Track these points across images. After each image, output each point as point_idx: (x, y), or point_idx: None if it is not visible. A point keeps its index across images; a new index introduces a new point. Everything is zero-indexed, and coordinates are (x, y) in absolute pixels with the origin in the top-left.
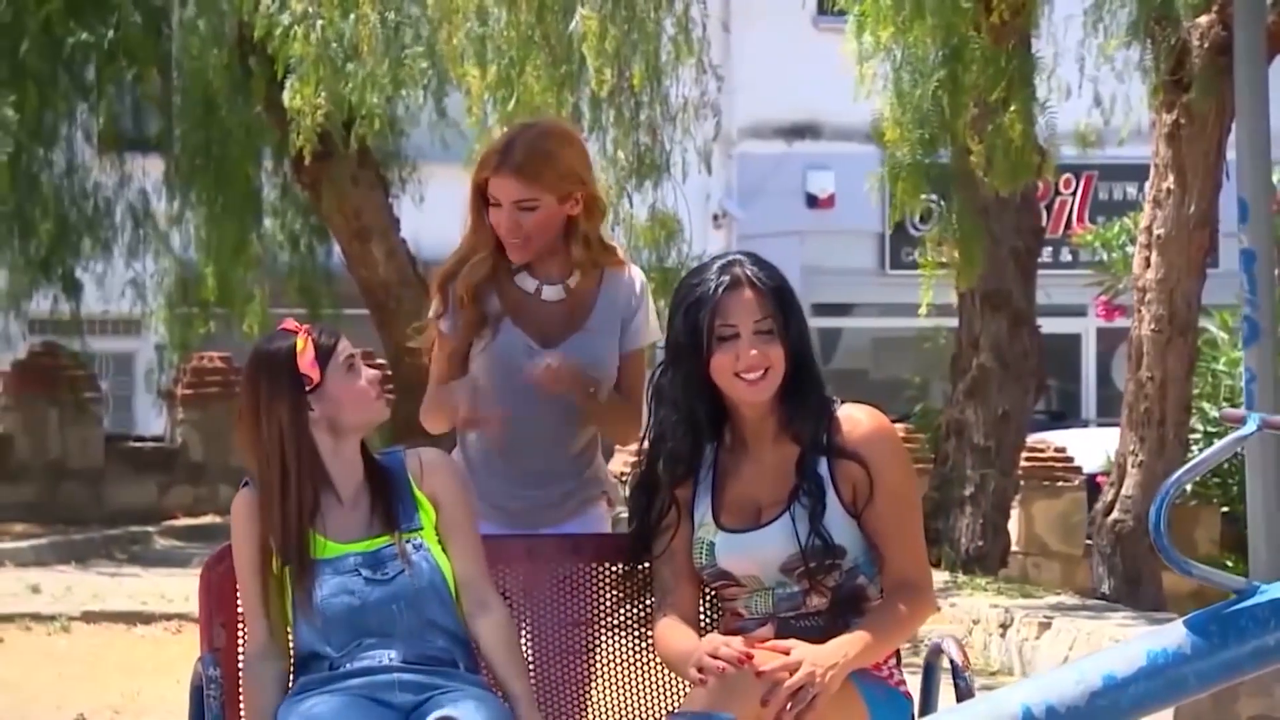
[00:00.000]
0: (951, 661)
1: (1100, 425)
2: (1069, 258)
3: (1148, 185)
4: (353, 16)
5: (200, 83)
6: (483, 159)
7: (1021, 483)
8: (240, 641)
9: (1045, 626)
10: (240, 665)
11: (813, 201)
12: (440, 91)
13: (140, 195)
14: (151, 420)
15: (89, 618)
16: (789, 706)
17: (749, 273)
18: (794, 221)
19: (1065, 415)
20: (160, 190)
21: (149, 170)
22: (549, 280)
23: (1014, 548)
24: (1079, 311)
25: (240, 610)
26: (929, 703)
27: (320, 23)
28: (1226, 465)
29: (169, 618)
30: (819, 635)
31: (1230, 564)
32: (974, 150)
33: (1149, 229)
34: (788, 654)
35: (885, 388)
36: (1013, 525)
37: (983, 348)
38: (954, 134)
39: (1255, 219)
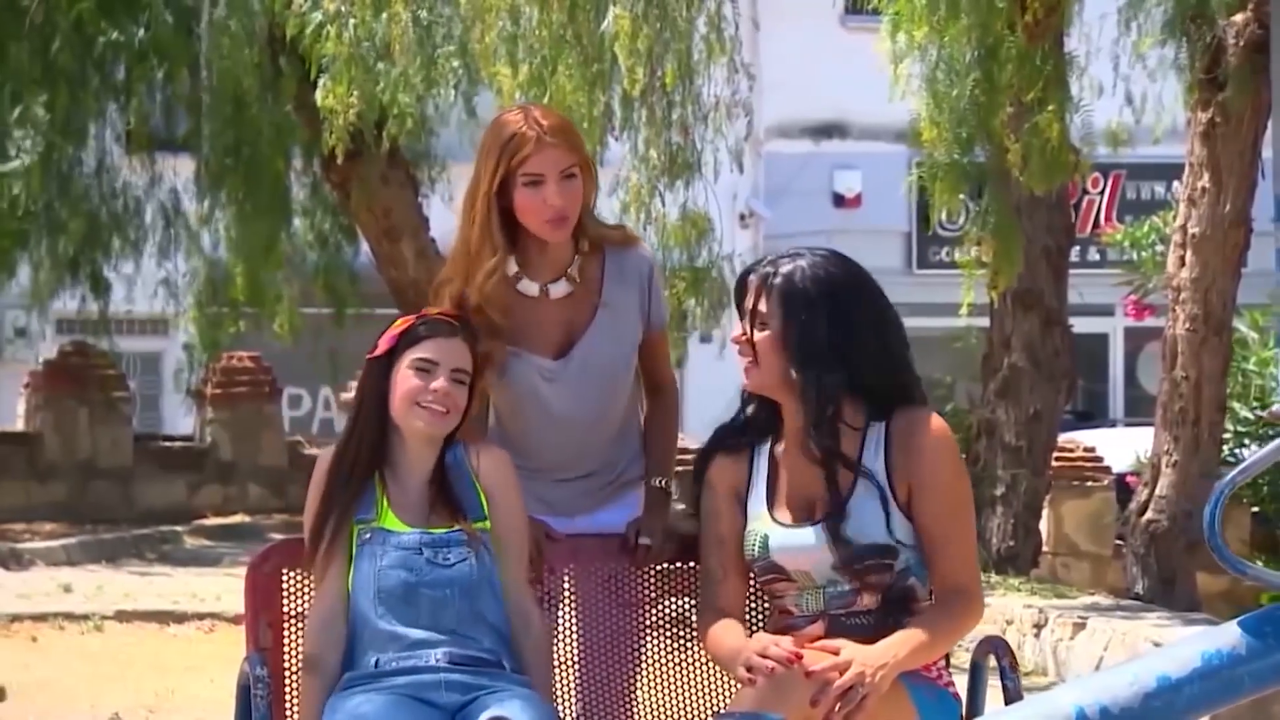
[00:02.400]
0: (999, 662)
1: (1127, 425)
2: (1096, 257)
3: (1182, 184)
4: (385, 15)
5: (230, 82)
6: (505, 146)
7: (1051, 483)
8: (285, 642)
9: (1080, 627)
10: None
11: (840, 201)
12: (470, 91)
13: (170, 194)
14: (179, 420)
15: (122, 617)
16: (838, 707)
17: (769, 267)
18: (821, 221)
19: (1092, 415)
20: (189, 189)
21: (178, 170)
22: (550, 278)
23: (1043, 548)
24: (1107, 311)
25: (285, 610)
26: (976, 703)
27: (353, 22)
28: None
29: (201, 617)
30: (869, 634)
31: (1260, 563)
32: (1010, 149)
33: (1184, 228)
34: (837, 654)
35: None
36: (1042, 525)
37: (1014, 347)
38: (990, 133)
39: None
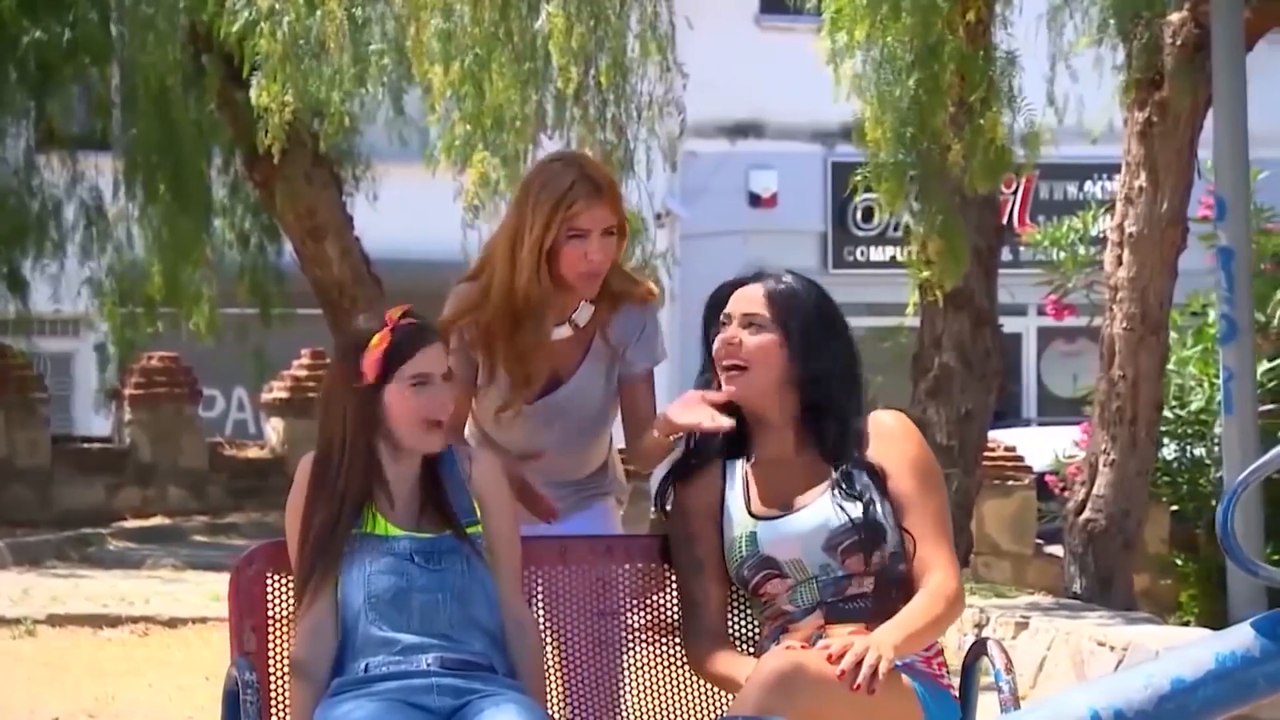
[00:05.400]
0: (993, 665)
1: (1040, 425)
2: (1009, 257)
3: (1119, 183)
4: (319, 13)
5: (153, 80)
6: (561, 198)
7: (982, 482)
8: (270, 647)
9: (1022, 626)
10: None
11: (755, 201)
12: (398, 89)
13: (91, 193)
14: (91, 420)
15: (53, 621)
16: (858, 677)
17: (766, 274)
18: (737, 221)
19: (1004, 414)
20: (110, 188)
21: (100, 168)
22: (556, 321)
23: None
24: (1020, 311)
25: (269, 615)
26: (969, 706)
27: (287, 19)
28: (1175, 464)
29: (135, 620)
30: (867, 619)
31: (1179, 562)
32: (952, 149)
33: (1120, 227)
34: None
35: None
36: None
37: (945, 347)
38: (933, 133)
39: (1233, 217)
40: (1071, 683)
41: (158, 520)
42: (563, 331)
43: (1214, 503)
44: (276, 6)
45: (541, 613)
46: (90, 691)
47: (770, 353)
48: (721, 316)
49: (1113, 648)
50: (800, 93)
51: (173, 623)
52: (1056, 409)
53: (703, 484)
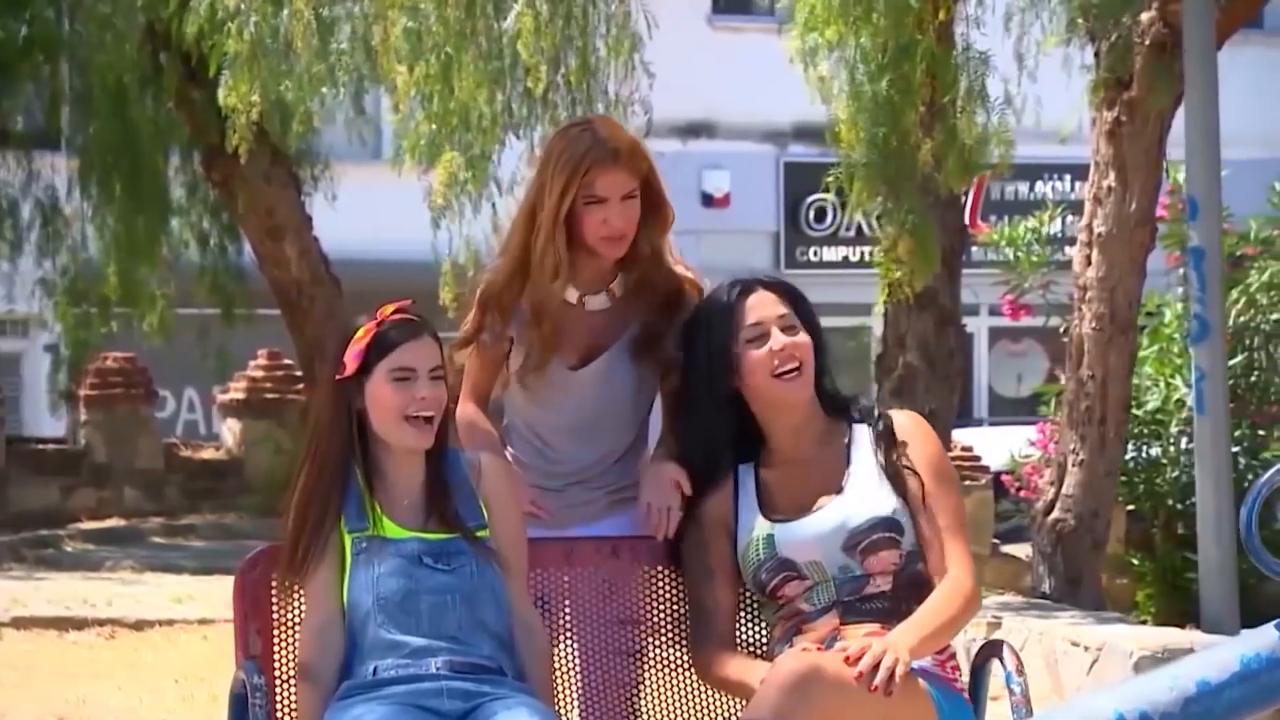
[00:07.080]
0: (1005, 667)
1: (992, 424)
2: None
3: (1088, 183)
4: (286, 13)
5: (110, 78)
6: (577, 165)
7: None
8: (276, 649)
9: (995, 626)
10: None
11: (708, 201)
12: (360, 89)
13: (46, 192)
14: (41, 421)
15: (19, 624)
16: (875, 679)
17: (760, 278)
18: (689, 221)
19: (958, 414)
20: (65, 188)
21: (55, 167)
22: (591, 289)
23: None
24: (971, 311)
25: (274, 618)
26: (979, 707)
27: (254, 19)
28: (1132, 465)
29: (100, 623)
30: (884, 618)
31: (1136, 562)
32: (923, 149)
33: (1089, 227)
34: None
35: None
36: None
37: (909, 346)
38: (903, 132)
39: (1205, 217)
40: (1045, 683)
41: (114, 521)
42: (599, 301)
43: (1170, 502)
44: (243, 6)
45: (569, 615)
46: (59, 695)
47: (810, 347)
48: (748, 330)
49: (1086, 648)
50: (752, 93)
51: (139, 625)
52: (1002, 408)
53: (715, 492)
